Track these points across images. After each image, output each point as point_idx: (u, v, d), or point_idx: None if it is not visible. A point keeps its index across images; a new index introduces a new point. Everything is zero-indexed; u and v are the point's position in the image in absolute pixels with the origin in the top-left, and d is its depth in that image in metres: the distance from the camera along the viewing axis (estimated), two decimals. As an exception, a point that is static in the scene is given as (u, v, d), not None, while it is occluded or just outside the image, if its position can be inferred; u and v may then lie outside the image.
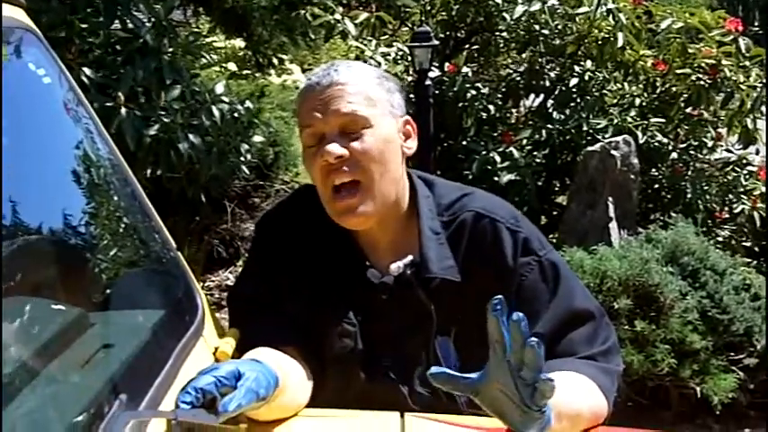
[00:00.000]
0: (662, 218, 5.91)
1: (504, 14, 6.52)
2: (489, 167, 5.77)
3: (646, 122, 6.15)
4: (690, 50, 6.26)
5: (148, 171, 4.28)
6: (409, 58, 6.42)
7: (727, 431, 4.50)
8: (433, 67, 6.23)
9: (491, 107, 6.29)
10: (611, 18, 6.29)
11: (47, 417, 1.13)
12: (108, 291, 1.54)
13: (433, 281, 1.70)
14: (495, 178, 5.73)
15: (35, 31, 1.55)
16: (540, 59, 6.59)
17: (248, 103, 4.68)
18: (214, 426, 1.22)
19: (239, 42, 10.71)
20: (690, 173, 6.12)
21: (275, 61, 11.00)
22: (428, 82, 5.94)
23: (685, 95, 6.28)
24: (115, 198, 1.76)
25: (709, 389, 4.30)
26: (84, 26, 4.29)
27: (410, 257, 1.72)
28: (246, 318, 1.74)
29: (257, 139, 4.64)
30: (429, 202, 1.78)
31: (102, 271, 1.58)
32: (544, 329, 1.68)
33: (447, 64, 6.56)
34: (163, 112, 4.15)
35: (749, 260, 5.48)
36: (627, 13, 6.31)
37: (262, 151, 6.07)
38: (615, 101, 6.56)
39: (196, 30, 5.53)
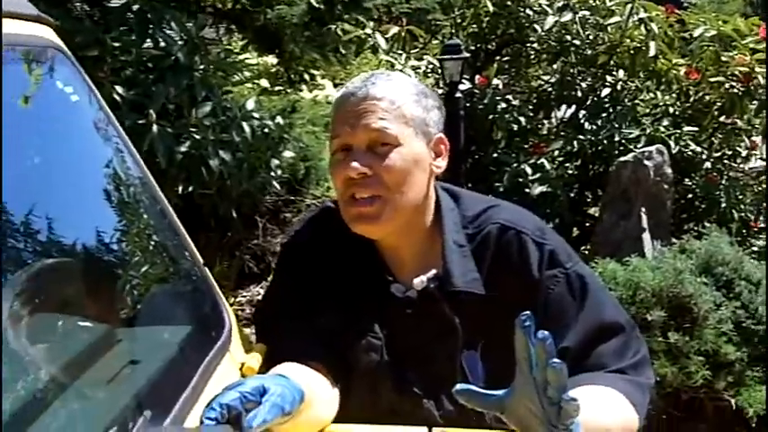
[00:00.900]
0: (696, 228, 5.85)
1: (536, 26, 6.52)
2: (520, 179, 5.75)
3: (679, 132, 6.10)
4: (723, 58, 6.20)
5: (180, 188, 4.31)
6: (439, 71, 6.43)
7: (764, 443, 4.43)
8: (463, 80, 6.23)
9: (522, 119, 6.27)
10: (642, 27, 6.26)
11: (73, 432, 1.15)
12: (135, 307, 1.55)
13: (458, 294, 1.70)
14: (527, 190, 5.71)
15: (64, 49, 1.57)
16: (571, 70, 6.57)
17: (279, 119, 4.70)
18: None
19: (271, 59, 10.79)
20: (724, 182, 6.06)
21: (306, 77, 11.08)
22: (458, 95, 5.95)
23: (719, 104, 6.22)
24: (144, 216, 1.78)
25: (744, 401, 4.24)
26: (116, 45, 4.34)
27: (434, 271, 1.72)
28: (273, 333, 1.75)
29: (288, 154, 4.67)
30: (454, 214, 1.77)
31: (130, 287, 1.59)
32: (572, 343, 1.67)
33: (478, 76, 6.56)
34: (194, 129, 4.18)
35: (785, 270, 5.40)
36: (659, 22, 6.27)
37: (293, 166, 6.10)
38: (648, 110, 6.52)
39: (228, 47, 5.56)
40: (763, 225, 6.19)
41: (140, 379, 1.33)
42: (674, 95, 6.48)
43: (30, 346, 1.15)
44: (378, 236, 1.72)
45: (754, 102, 6.17)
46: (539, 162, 5.89)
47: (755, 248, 5.89)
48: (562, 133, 6.40)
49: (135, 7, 4.66)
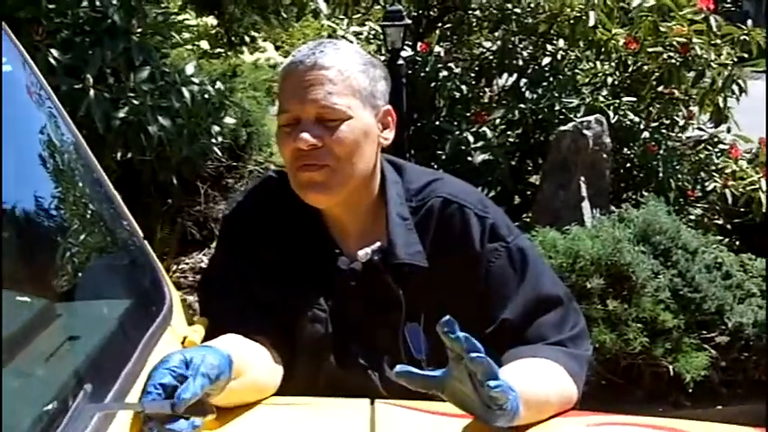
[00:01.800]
0: (634, 197, 5.94)
1: (477, -7, 6.52)
2: (462, 147, 5.77)
3: (618, 101, 6.17)
4: (661, 29, 6.27)
5: (119, 154, 4.23)
6: (381, 38, 6.39)
7: (699, 409, 4.54)
8: (405, 47, 6.21)
9: (464, 87, 6.28)
10: (583, -4, 6.29)
11: (11, 410, 1.12)
12: (74, 281, 1.52)
13: (402, 267, 1.70)
14: (469, 158, 5.74)
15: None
16: (512, 38, 6.58)
17: (219, 84, 4.63)
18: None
19: (211, 20, 10.62)
20: (662, 152, 6.14)
21: (247, 39, 10.93)
22: (400, 62, 5.92)
23: (657, 74, 6.30)
24: (80, 185, 1.74)
25: (681, 367, 4.34)
26: (51, 6, 4.22)
27: (378, 244, 1.71)
28: (215, 307, 1.72)
29: (229, 120, 4.60)
30: (398, 187, 1.76)
31: (68, 260, 1.56)
32: (512, 315, 1.68)
33: (419, 43, 6.54)
34: (132, 94, 4.10)
35: (721, 238, 5.52)
36: (598, -9, 6.31)
37: (234, 132, 6.02)
38: (587, 80, 6.58)
39: (166, 8, 5.46)
40: (699, 194, 6.31)
41: (80, 355, 1.30)
42: (613, 65, 6.55)
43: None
44: (326, 204, 1.70)
45: (692, 72, 6.25)
46: (480, 130, 5.91)
47: (692, 217, 6.01)
48: (503, 102, 6.43)
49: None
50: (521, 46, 6.63)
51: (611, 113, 6.01)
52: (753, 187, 5.97)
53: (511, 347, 1.65)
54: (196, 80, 4.42)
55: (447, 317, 1.29)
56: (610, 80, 6.41)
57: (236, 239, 1.76)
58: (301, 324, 1.69)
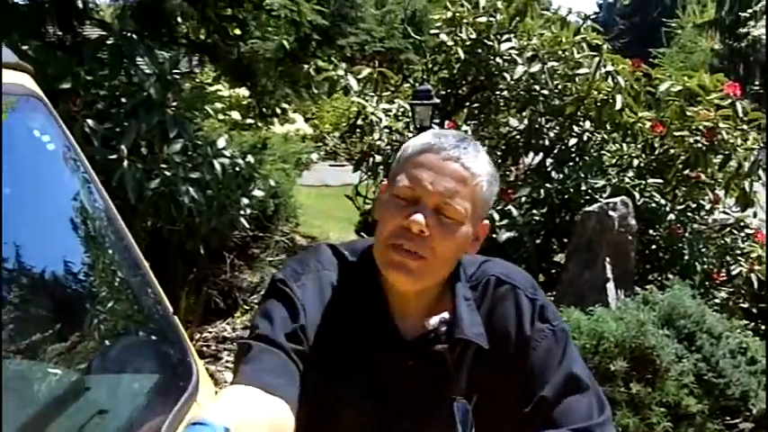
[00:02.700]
0: (659, 279, 5.93)
1: (505, 74, 6.62)
2: (488, 225, 5.79)
3: (643, 183, 6.20)
4: (688, 113, 6.32)
5: (149, 223, 4.30)
6: (410, 115, 6.49)
7: (722, 496, 4.47)
8: (433, 125, 6.29)
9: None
10: (610, 80, 6.38)
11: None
12: (103, 353, 1.55)
13: (461, 344, 1.71)
14: (494, 236, 5.76)
15: (40, 96, 1.58)
16: (539, 119, 6.66)
17: (249, 158, 4.71)
18: None
19: (244, 91, 10.83)
20: (687, 234, 6.14)
21: (278, 111, 11.13)
22: (428, 139, 5.98)
23: (683, 157, 6.34)
24: (110, 253, 1.78)
25: (705, 453, 4.29)
26: (89, 78, 4.34)
27: (446, 314, 1.72)
28: (248, 355, 1.70)
29: (257, 193, 4.67)
30: (459, 271, 1.80)
31: (98, 332, 1.59)
32: (549, 393, 1.70)
33: (447, 122, 6.63)
34: (165, 166, 4.18)
35: (746, 323, 5.48)
36: (625, 75, 6.40)
37: (262, 203, 6.10)
38: (613, 161, 6.62)
39: (199, 83, 5.58)
40: (725, 278, 6.28)
41: (109, 429, 1.33)
42: (639, 147, 6.59)
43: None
44: (405, 288, 1.71)
45: (718, 156, 6.28)
46: (506, 209, 5.95)
47: (717, 301, 5.97)
48: (529, 181, 6.47)
49: (109, 41, 4.66)
50: (547, 126, 6.69)
51: (636, 195, 6.03)
52: (779, 272, 5.95)
53: (540, 427, 1.66)
54: (227, 153, 4.50)
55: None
56: (636, 162, 6.44)
57: (291, 301, 1.74)
58: (343, 396, 1.68)
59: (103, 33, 4.89)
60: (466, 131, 6.46)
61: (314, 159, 12.21)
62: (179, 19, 9.23)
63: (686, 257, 6.00)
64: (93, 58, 4.66)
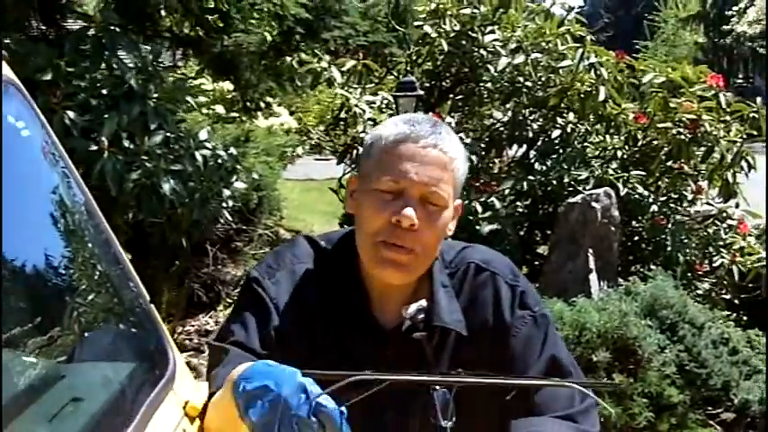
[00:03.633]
0: (642, 270, 5.94)
1: (489, 66, 6.61)
2: (471, 217, 5.80)
3: (627, 175, 6.21)
4: (671, 105, 6.33)
5: (130, 215, 4.28)
6: (394, 107, 6.48)
7: (704, 486, 4.49)
8: (417, 116, 6.28)
9: (473, 157, 6.34)
10: (593, 72, 6.38)
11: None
12: (80, 342, 1.54)
13: (439, 331, 1.71)
14: (477, 228, 5.76)
15: (16, 83, 1.57)
16: (523, 111, 6.66)
17: (232, 150, 4.69)
18: None
19: (228, 85, 10.79)
20: (670, 225, 6.16)
21: (262, 105, 11.09)
22: (412, 131, 5.97)
23: (666, 149, 6.35)
24: (90, 245, 1.77)
25: (686, 443, 4.31)
26: (69, 70, 4.30)
27: (423, 302, 1.72)
28: (226, 359, 1.69)
29: (240, 185, 4.65)
30: (439, 258, 1.79)
31: (75, 321, 1.58)
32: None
33: (431, 113, 6.62)
34: (146, 157, 4.16)
35: (728, 314, 5.50)
36: (609, 67, 6.40)
37: (245, 196, 6.08)
38: (597, 153, 6.62)
39: (182, 75, 5.55)
40: (707, 269, 6.30)
41: (83, 417, 1.32)
42: (622, 139, 6.60)
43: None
44: (397, 282, 1.70)
45: (701, 148, 6.30)
46: (489, 201, 5.95)
47: (700, 292, 5.99)
48: (513, 173, 6.47)
49: (90, 32, 4.63)
50: (531, 118, 6.70)
51: (620, 186, 6.04)
52: (761, 264, 5.96)
53: (522, 414, 1.66)
54: (209, 145, 4.48)
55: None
56: (619, 154, 6.45)
57: (263, 300, 1.73)
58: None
59: (85, 25, 4.86)
60: (450, 123, 6.45)
61: (299, 153, 12.18)
62: (162, 12, 9.21)
63: (669, 249, 6.02)
64: (75, 50, 4.63)
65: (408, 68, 7.23)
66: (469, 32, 6.75)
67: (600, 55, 6.47)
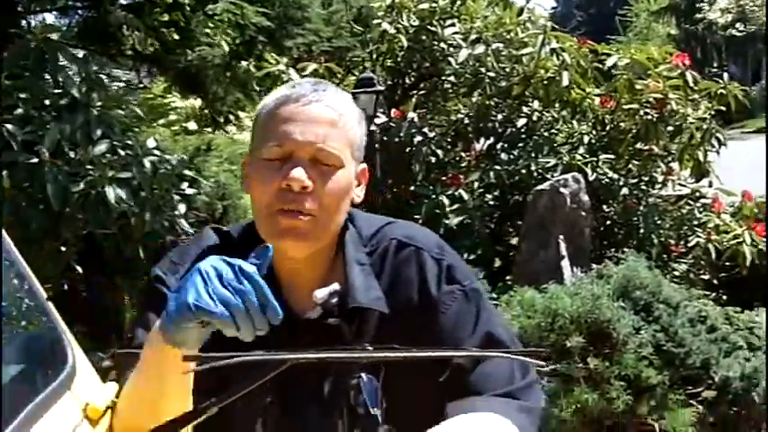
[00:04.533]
0: (617, 255, 5.83)
1: (450, 59, 6.51)
2: (438, 211, 5.68)
3: (595, 159, 6.11)
4: (637, 86, 6.25)
5: (79, 226, 4.14)
6: (355, 106, 6.37)
7: (689, 467, 4.37)
8: (378, 114, 6.18)
9: (439, 151, 6.23)
10: (555, 58, 6.28)
11: None
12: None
13: (359, 312, 1.57)
14: (446, 221, 5.64)
15: None
16: (487, 102, 6.55)
17: (180, 155, 4.55)
18: None
19: (198, 102, 10.69)
20: (642, 208, 6.06)
21: (231, 118, 10.99)
22: (373, 127, 5.88)
23: (634, 131, 6.25)
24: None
25: (668, 425, 4.19)
26: (8, 83, 4.17)
27: (336, 285, 1.58)
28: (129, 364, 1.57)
29: (190, 191, 4.49)
30: (352, 233, 1.66)
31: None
32: (465, 360, 1.56)
33: (394, 110, 6.51)
34: (90, 167, 4.01)
35: (706, 293, 5.39)
36: (571, 52, 6.30)
37: (210, 205, 5.94)
38: (564, 140, 6.52)
39: (128, 81, 5.42)
40: (683, 249, 6.20)
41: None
42: (589, 124, 6.51)
43: None
44: (300, 255, 1.56)
45: (669, 127, 6.21)
46: (456, 193, 5.84)
47: (677, 273, 5.89)
48: (481, 165, 6.37)
49: (32, 45, 4.51)
50: (496, 109, 6.59)
51: (589, 171, 5.94)
52: (737, 240, 5.86)
53: (458, 395, 1.53)
54: (157, 153, 4.34)
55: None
56: (587, 139, 6.36)
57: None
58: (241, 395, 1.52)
59: (27, 38, 4.73)
60: (412, 119, 6.35)
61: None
62: (125, 31, 9.11)
63: (642, 231, 5.92)
64: (16, 64, 4.50)
65: (372, 68, 7.11)
66: (429, 27, 6.65)
67: (562, 41, 6.38)
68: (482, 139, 6.77)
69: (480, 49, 6.29)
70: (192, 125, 10.57)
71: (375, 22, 7.13)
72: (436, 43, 6.63)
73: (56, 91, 4.36)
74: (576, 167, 5.93)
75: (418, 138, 6.21)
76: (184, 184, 4.42)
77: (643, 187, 6.28)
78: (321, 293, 1.56)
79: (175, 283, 1.58)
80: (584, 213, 5.49)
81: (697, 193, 6.45)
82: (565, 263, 5.24)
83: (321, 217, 1.51)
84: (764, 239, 5.84)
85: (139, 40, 9.48)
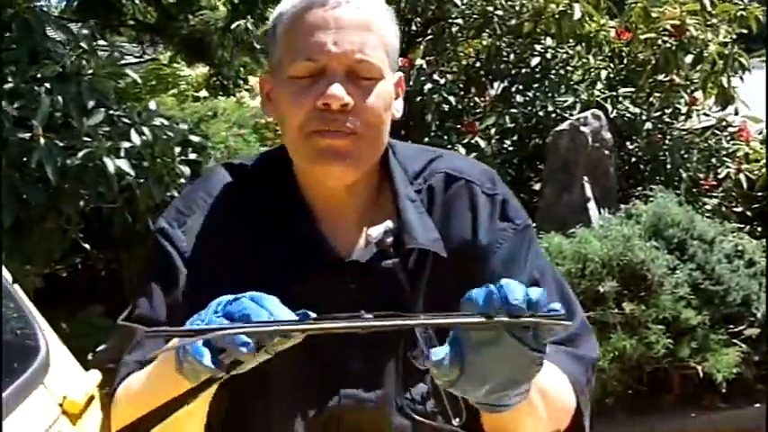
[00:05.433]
0: (644, 193, 5.62)
1: (456, 0, 6.26)
2: (454, 160, 5.48)
3: (615, 94, 5.86)
4: (653, 14, 5.97)
5: (81, 203, 3.96)
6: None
7: (736, 409, 4.19)
8: (387, 63, 5.95)
9: (452, 98, 5.99)
10: (566, -12, 6.01)
11: None
12: None
13: (414, 256, 1.37)
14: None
15: None
16: (498, 42, 6.30)
17: (183, 125, 4.35)
18: None
19: (205, 69, 10.49)
20: (667, 142, 5.83)
21: (240, 82, 10.79)
22: (383, 78, 5.66)
23: (653, 61, 5.98)
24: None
25: (711, 367, 4.02)
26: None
27: (389, 223, 1.39)
28: (132, 343, 1.37)
29: (192, 156, 4.30)
30: (396, 165, 1.45)
31: None
32: None
33: (401, 59, 6.27)
34: (87, 139, 3.82)
35: (741, 226, 5.17)
36: (583, -19, 6.03)
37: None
38: (581, 76, 6.26)
39: (120, 46, 5.20)
40: (714, 182, 5.96)
41: None
42: (606, 58, 6.25)
43: None
44: (347, 181, 1.35)
45: (689, 56, 5.94)
46: (473, 141, 5.62)
47: (709, 207, 5.66)
48: (497, 109, 6.14)
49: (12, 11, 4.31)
50: (508, 50, 6.34)
51: (609, 107, 5.70)
52: (773, 169, 5.62)
53: None
54: (159, 120, 4.14)
55: None
56: (604, 74, 6.08)
57: (178, 252, 1.37)
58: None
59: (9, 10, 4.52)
60: (421, 66, 6.11)
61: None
62: (124, 0, 8.92)
63: (669, 166, 5.69)
64: (1, 37, 4.31)
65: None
66: (432, -33, 6.39)
67: (571, -30, 6.10)
68: (496, 83, 6.51)
69: (487, -14, 6.05)
70: (203, 93, 10.39)
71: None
72: (439, -17, 6.37)
73: (45, 61, 4.16)
74: (596, 104, 5.69)
75: (429, 86, 5.97)
76: (190, 152, 4.23)
77: (667, 120, 6.02)
78: (376, 231, 1.37)
79: (181, 236, 1.39)
80: (607, 152, 5.26)
81: (723, 122, 6.18)
82: (591, 205, 5.03)
83: (365, 136, 1.31)
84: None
85: (140, 11, 9.30)
